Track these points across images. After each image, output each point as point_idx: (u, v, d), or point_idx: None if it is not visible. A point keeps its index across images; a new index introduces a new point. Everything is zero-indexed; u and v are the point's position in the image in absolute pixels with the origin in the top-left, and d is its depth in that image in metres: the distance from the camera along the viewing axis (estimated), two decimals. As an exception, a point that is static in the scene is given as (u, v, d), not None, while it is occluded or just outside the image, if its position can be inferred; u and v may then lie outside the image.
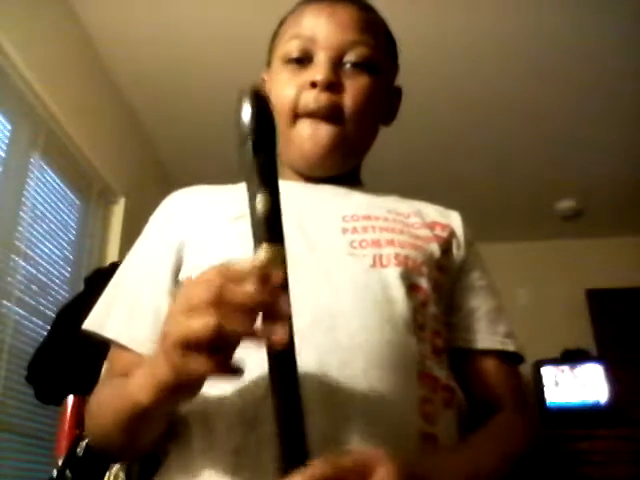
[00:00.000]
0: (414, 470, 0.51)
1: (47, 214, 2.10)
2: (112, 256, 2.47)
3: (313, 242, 0.70)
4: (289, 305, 0.47)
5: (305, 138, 0.76)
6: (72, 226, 2.31)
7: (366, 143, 0.82)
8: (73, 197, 2.33)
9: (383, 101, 0.81)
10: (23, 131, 1.96)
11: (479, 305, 0.77)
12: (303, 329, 0.57)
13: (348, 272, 0.67)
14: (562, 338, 3.54)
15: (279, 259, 0.47)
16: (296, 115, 0.76)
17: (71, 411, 1.55)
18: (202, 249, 0.71)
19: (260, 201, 0.47)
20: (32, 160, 2.00)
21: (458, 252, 0.78)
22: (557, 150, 3.15)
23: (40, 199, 2.05)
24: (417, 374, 0.64)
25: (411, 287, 0.69)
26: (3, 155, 1.83)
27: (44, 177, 2.09)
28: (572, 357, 3.47)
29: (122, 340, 0.70)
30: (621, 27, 2.29)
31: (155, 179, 2.89)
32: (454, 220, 0.81)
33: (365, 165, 0.87)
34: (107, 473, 1.23)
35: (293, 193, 0.73)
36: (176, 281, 0.72)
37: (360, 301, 0.65)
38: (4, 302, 1.79)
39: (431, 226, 0.77)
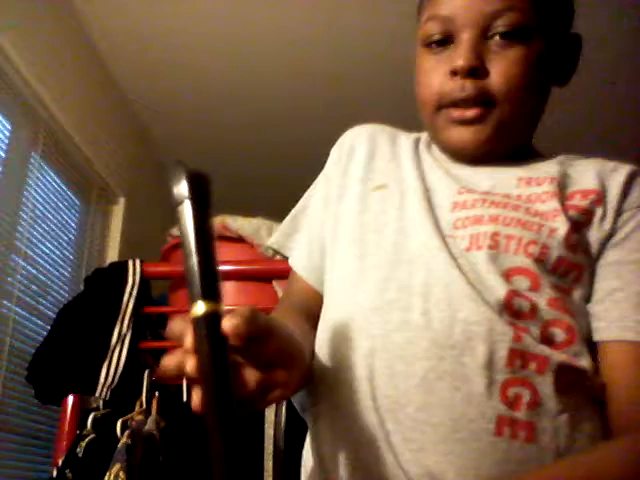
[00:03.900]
0: None
1: (47, 214, 2.10)
2: (112, 256, 2.46)
3: (432, 215, 0.69)
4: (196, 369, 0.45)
5: (450, 135, 0.72)
6: (72, 226, 2.30)
7: (529, 118, 0.75)
8: (73, 197, 2.33)
9: (545, 67, 0.71)
10: (23, 131, 1.96)
11: (619, 286, 0.64)
12: (381, 306, 0.65)
13: (439, 257, 0.65)
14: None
15: (210, 317, 0.45)
16: (440, 105, 0.71)
17: (71, 411, 1.55)
18: (340, 202, 0.78)
19: (195, 262, 0.47)
20: (32, 160, 2.00)
21: (602, 224, 0.66)
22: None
23: (40, 199, 2.05)
24: (506, 352, 0.59)
25: (508, 271, 0.63)
26: (3, 155, 1.83)
27: (44, 177, 2.09)
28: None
29: (295, 268, 0.82)
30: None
31: (155, 179, 2.89)
32: (613, 181, 0.68)
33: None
34: (107, 473, 1.23)
35: (435, 172, 0.75)
36: None
37: (442, 286, 0.63)
38: (4, 302, 1.79)
39: (569, 196, 0.68)
